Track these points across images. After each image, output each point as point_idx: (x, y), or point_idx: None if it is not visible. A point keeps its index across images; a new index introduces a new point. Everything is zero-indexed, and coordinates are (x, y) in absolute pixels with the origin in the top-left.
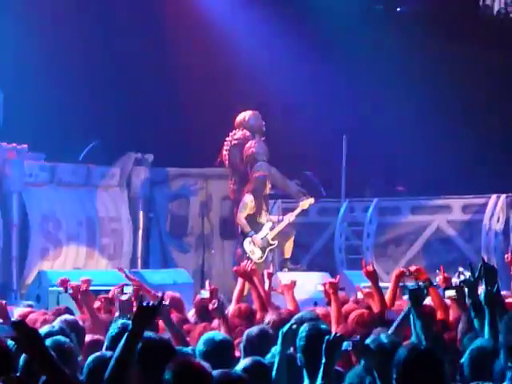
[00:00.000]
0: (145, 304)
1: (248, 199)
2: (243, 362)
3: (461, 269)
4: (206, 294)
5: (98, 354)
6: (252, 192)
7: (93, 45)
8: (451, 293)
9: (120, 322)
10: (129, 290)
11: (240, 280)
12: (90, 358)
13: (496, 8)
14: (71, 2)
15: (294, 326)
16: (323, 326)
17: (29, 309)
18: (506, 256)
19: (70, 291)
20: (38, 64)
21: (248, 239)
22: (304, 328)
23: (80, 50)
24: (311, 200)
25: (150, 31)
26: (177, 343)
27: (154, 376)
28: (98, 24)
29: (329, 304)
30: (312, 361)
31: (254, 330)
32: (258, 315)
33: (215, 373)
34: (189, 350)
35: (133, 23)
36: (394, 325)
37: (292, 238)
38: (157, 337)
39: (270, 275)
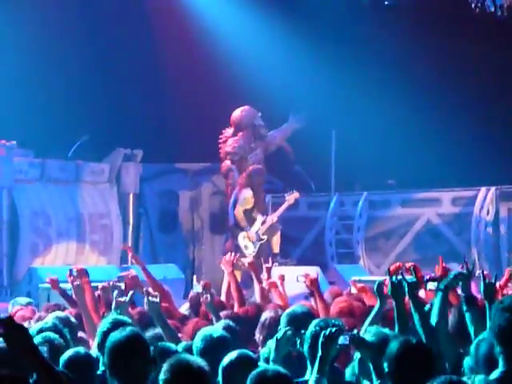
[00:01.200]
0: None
1: (248, 194)
2: (230, 355)
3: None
4: (198, 288)
5: (70, 351)
6: (251, 186)
7: (82, 41)
8: (433, 285)
9: (112, 317)
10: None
11: (226, 273)
12: (66, 356)
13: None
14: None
15: (289, 333)
16: (334, 321)
17: (30, 307)
18: None
19: (75, 273)
20: (26, 60)
21: (243, 233)
22: (315, 323)
23: (69, 46)
24: (296, 194)
25: (139, 28)
26: (168, 339)
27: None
28: (87, 22)
29: (311, 295)
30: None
31: (220, 325)
32: (236, 308)
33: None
34: (180, 346)
35: (122, 21)
36: (369, 319)
37: (279, 233)
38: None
39: (269, 269)
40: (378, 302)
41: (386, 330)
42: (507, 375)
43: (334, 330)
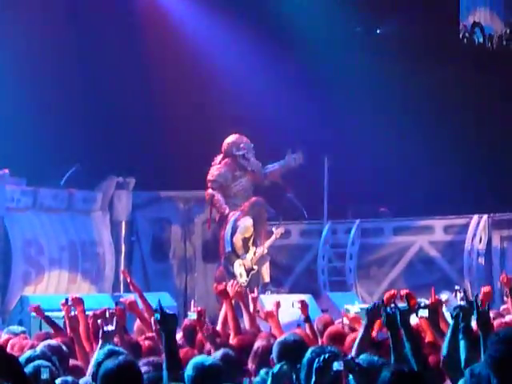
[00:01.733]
0: None
1: (249, 223)
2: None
3: (457, 287)
4: (193, 315)
5: (59, 380)
6: (252, 216)
7: (73, 70)
8: (424, 312)
9: (106, 348)
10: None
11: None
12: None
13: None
14: (49, 22)
15: (285, 367)
16: (330, 348)
17: (22, 335)
18: (501, 277)
19: (70, 302)
20: (18, 89)
21: (239, 261)
22: (311, 350)
23: (60, 75)
24: (282, 229)
25: (131, 55)
26: None
27: None
28: (78, 50)
29: (306, 321)
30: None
31: (218, 354)
32: (232, 337)
33: None
34: None
35: (113, 48)
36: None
37: (267, 263)
38: None
39: (255, 299)
40: (364, 327)
41: (375, 358)
42: None
43: (327, 355)
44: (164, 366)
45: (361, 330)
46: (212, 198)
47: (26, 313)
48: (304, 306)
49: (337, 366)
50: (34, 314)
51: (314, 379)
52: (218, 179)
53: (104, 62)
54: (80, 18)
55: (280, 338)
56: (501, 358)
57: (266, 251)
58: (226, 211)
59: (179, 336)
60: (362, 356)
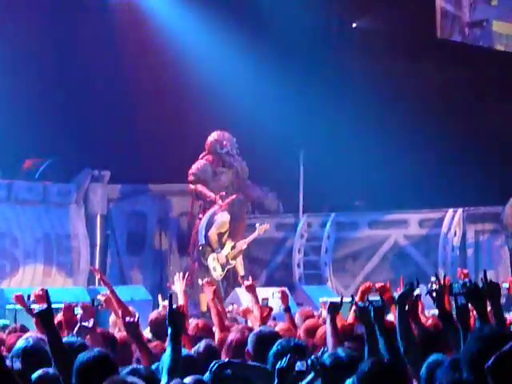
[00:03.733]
0: None
1: (226, 218)
2: (185, 381)
3: (433, 278)
4: (166, 302)
5: (40, 371)
6: (231, 212)
7: (49, 64)
8: None
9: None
10: (78, 310)
11: (180, 296)
12: (36, 375)
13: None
14: (21, 19)
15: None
16: (296, 342)
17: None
18: (458, 273)
19: (32, 299)
20: None
21: (213, 255)
22: (277, 342)
23: (35, 68)
24: (266, 226)
25: (104, 46)
26: (145, 361)
27: None
28: (52, 42)
29: (286, 310)
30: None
31: (201, 345)
32: (218, 334)
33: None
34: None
35: (86, 40)
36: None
37: (241, 256)
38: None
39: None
40: (329, 321)
41: (344, 354)
42: None
43: (287, 360)
44: (166, 367)
45: (327, 326)
46: (195, 191)
47: (0, 306)
48: (284, 295)
49: (299, 366)
50: (15, 306)
51: (276, 381)
52: (198, 173)
53: (79, 55)
54: (56, 15)
55: (256, 330)
56: (479, 356)
57: (245, 247)
58: (213, 196)
59: (147, 330)
60: (339, 350)
